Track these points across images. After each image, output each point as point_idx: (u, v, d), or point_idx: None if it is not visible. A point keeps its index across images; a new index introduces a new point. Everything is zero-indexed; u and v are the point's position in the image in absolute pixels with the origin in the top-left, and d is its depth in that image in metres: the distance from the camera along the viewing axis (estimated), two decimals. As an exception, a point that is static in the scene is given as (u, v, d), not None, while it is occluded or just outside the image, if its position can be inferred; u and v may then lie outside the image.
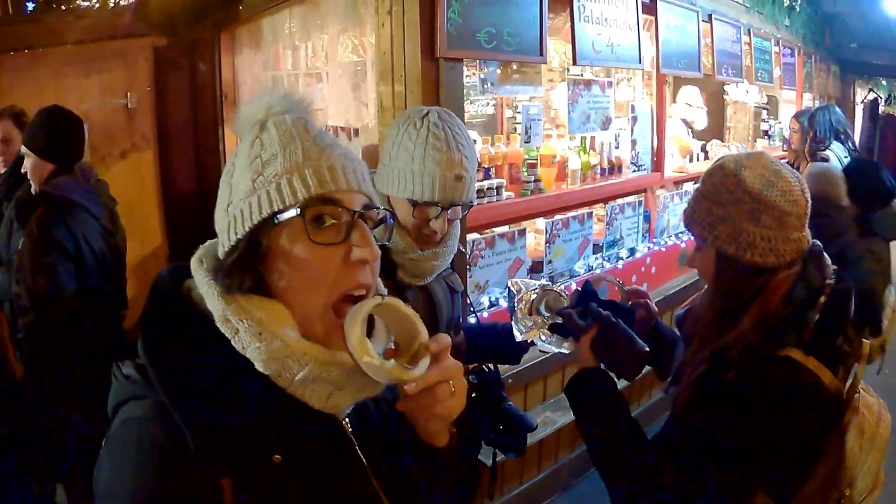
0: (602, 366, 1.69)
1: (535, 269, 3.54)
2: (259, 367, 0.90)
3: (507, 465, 3.08)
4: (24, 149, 2.93)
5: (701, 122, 5.79)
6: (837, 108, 5.37)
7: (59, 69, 5.13)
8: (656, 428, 1.78)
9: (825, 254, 1.66)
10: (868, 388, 1.65)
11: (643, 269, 4.22)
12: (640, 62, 3.88)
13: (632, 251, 4.19)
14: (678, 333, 1.95)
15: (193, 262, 0.99)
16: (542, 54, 3.12)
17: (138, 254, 4.96)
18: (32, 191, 2.93)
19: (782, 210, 1.58)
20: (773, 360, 1.52)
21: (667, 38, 4.12)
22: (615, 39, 3.62)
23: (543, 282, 1.87)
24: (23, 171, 2.97)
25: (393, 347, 1.01)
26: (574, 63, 3.46)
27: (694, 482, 1.51)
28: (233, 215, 0.95)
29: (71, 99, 5.08)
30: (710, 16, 4.74)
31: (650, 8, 4.04)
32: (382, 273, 1.82)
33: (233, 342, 0.91)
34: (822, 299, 1.57)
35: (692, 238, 1.76)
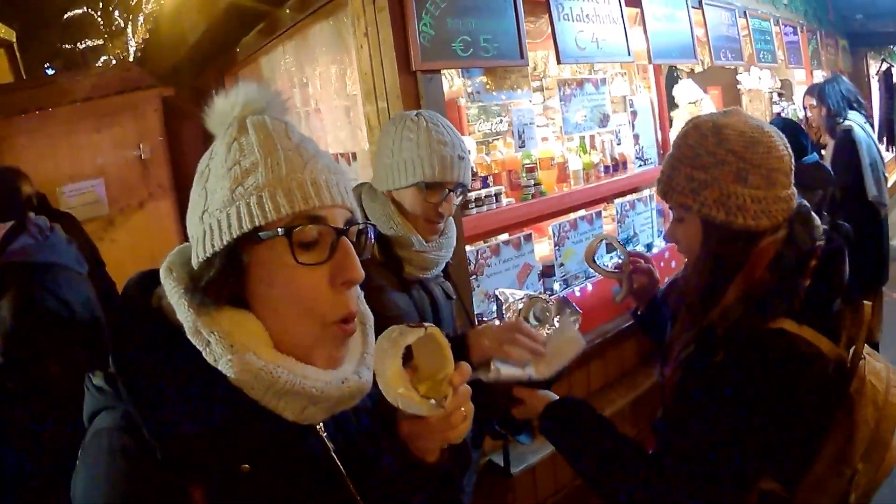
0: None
1: (547, 273, 3.50)
2: (231, 378, 0.89)
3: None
4: None
5: (709, 109, 5.71)
6: (845, 78, 5.26)
7: (70, 126, 5.34)
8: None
9: (813, 213, 1.54)
10: (874, 353, 1.52)
11: (662, 263, 4.13)
12: (629, 55, 3.84)
13: (648, 247, 4.14)
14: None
15: (163, 270, 0.97)
16: (522, 57, 3.13)
17: (162, 299, 5.06)
18: None
19: (770, 167, 1.47)
20: (763, 335, 1.40)
21: (656, 29, 4.08)
22: (600, 35, 3.61)
23: (528, 292, 1.89)
24: None
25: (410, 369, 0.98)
26: (558, 62, 3.45)
27: (694, 479, 1.40)
28: (209, 224, 0.92)
29: (85, 154, 5.30)
30: (699, 1, 4.66)
31: (635, 0, 4.01)
32: (389, 269, 1.93)
33: (204, 354, 0.89)
34: (813, 263, 1.46)
35: (672, 210, 1.62)
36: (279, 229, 0.90)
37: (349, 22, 3.10)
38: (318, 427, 1.00)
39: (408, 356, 0.96)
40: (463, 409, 0.97)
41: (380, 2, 2.73)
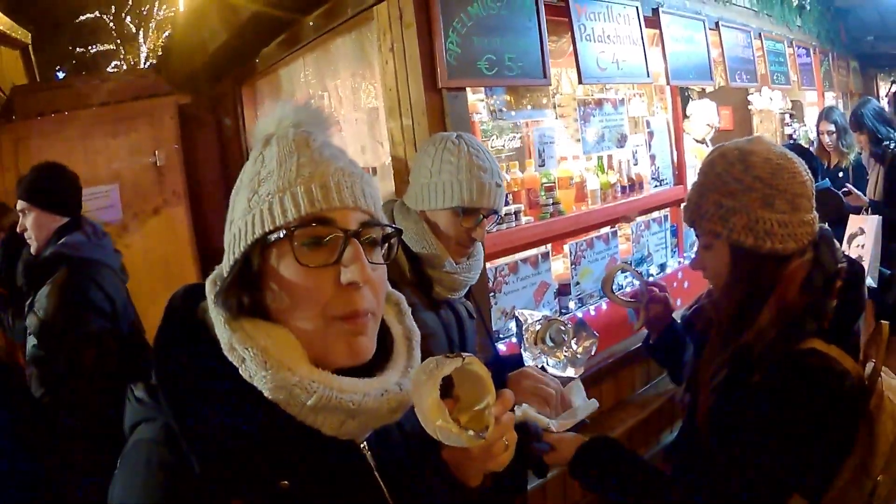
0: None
1: (563, 291, 3.52)
2: (267, 395, 0.89)
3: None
4: (22, 204, 2.87)
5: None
6: (873, 99, 5.30)
7: (86, 130, 5.33)
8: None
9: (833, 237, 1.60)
10: (888, 370, 1.57)
11: (675, 284, 4.16)
12: (647, 76, 3.88)
13: (662, 267, 4.15)
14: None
15: (208, 283, 0.98)
16: (545, 76, 3.16)
17: (176, 306, 5.07)
18: (33, 251, 2.87)
19: (794, 192, 1.53)
20: (799, 355, 1.45)
21: (674, 50, 4.12)
22: (620, 56, 3.64)
23: (546, 313, 1.92)
24: (19, 230, 2.92)
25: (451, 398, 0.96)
26: (580, 82, 3.48)
27: (730, 496, 1.44)
28: (233, 234, 0.95)
29: (100, 159, 5.30)
30: (716, 23, 4.71)
31: (654, 22, 4.05)
32: (419, 288, 1.95)
33: (240, 370, 0.90)
34: (839, 284, 1.52)
35: (698, 237, 1.68)
36: (282, 231, 0.91)
37: (373, 37, 3.12)
38: (361, 446, 1.00)
39: (448, 386, 0.95)
40: (505, 438, 0.97)
41: (407, 18, 2.76)
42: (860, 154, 5.19)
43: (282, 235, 0.91)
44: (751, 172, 1.54)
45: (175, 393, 0.88)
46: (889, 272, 4.23)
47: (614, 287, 2.18)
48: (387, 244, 1.00)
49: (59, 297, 2.73)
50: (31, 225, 2.87)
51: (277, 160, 0.95)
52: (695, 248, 1.71)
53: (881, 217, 3.97)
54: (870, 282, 3.36)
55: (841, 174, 5.18)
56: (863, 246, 3.87)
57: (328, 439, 0.93)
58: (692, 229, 1.69)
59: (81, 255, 2.84)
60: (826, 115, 5.35)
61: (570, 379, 1.93)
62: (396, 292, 1.14)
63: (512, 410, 1.52)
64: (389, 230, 1.00)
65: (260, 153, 0.98)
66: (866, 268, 3.60)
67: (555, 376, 1.76)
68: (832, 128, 5.20)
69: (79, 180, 3.04)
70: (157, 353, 0.93)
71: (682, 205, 1.70)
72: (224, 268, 0.97)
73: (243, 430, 0.87)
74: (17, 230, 2.95)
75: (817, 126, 5.46)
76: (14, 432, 2.60)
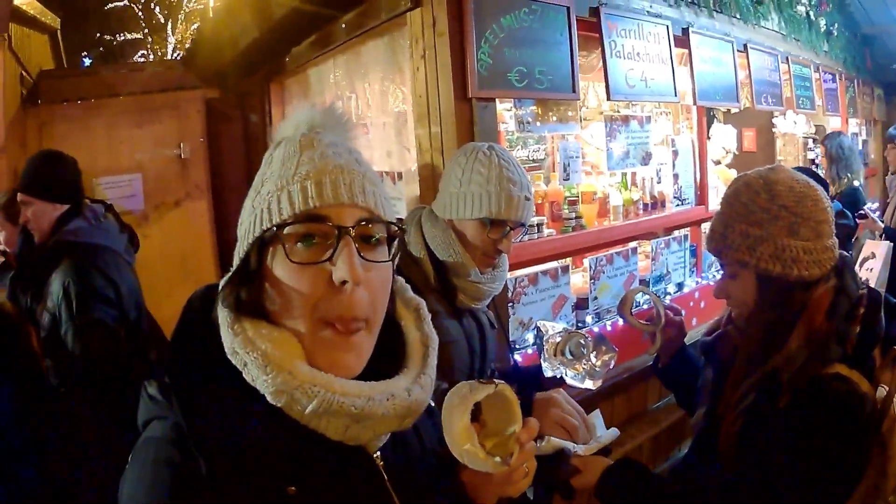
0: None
1: (580, 305, 3.51)
2: (269, 399, 0.89)
3: None
4: (23, 196, 2.84)
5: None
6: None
7: (112, 120, 5.39)
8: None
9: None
10: None
11: (692, 303, 4.16)
12: (675, 95, 3.89)
13: (679, 286, 4.15)
14: (702, 360, 1.93)
15: (221, 284, 0.98)
16: (574, 91, 3.17)
17: (193, 299, 5.11)
18: (37, 241, 2.85)
19: (818, 219, 1.56)
20: (825, 380, 1.48)
21: (702, 71, 4.12)
22: (649, 74, 3.65)
23: (566, 326, 1.94)
24: (22, 221, 2.89)
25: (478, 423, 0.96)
26: (608, 98, 3.50)
27: None
28: (240, 235, 0.96)
29: (124, 149, 5.35)
30: (745, 45, 4.72)
31: (684, 41, 4.06)
32: (443, 296, 1.96)
33: (243, 374, 0.90)
34: (861, 310, 1.55)
35: (723, 266, 1.70)
36: (274, 228, 0.90)
37: (404, 43, 3.14)
38: (375, 455, 0.98)
39: (477, 409, 0.96)
40: (525, 465, 0.98)
41: (440, 27, 2.78)
42: (855, 185, 5.19)
43: (275, 233, 0.90)
44: (776, 201, 1.57)
45: (186, 393, 0.89)
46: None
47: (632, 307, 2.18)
48: (394, 242, 0.98)
49: (64, 288, 2.70)
50: (33, 215, 2.85)
51: (281, 160, 0.95)
52: (718, 275, 1.73)
53: (893, 244, 3.97)
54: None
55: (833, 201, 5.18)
56: (871, 270, 3.87)
57: (335, 445, 0.92)
58: (717, 259, 1.72)
59: (83, 241, 2.82)
60: (822, 141, 5.39)
61: (588, 391, 1.95)
62: (416, 297, 1.12)
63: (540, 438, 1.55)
64: (393, 227, 0.97)
65: (270, 154, 0.98)
66: None
67: (572, 387, 1.78)
68: (825, 156, 5.23)
69: (77, 165, 3.00)
70: (172, 352, 0.95)
71: (706, 234, 1.71)
72: (233, 266, 0.98)
73: (249, 433, 0.87)
74: (21, 221, 2.91)
75: (822, 151, 5.52)
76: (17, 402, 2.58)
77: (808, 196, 1.57)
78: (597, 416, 1.72)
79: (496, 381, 0.96)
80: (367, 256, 0.92)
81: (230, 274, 0.96)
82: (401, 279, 1.09)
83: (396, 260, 1.00)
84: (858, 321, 1.53)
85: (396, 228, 0.97)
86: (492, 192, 1.91)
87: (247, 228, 0.94)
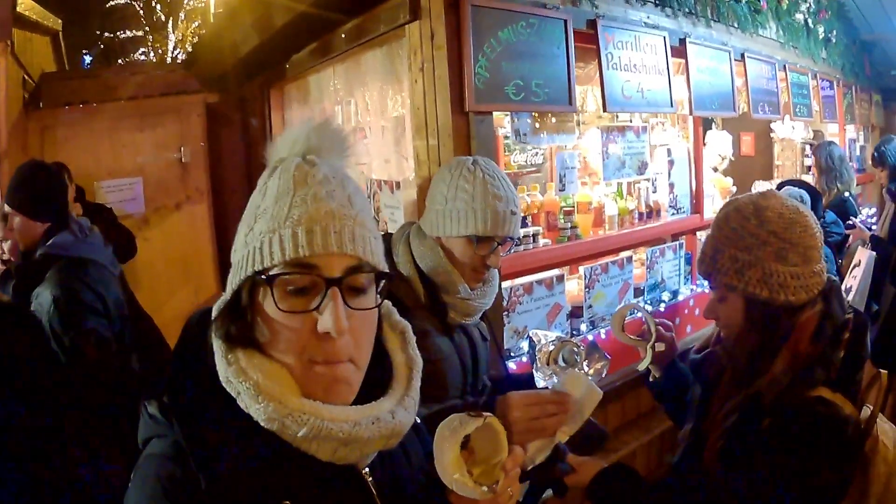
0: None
1: (575, 314, 3.56)
2: (263, 424, 0.92)
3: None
4: (7, 209, 2.83)
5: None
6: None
7: (113, 123, 5.42)
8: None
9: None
10: (881, 415, 1.65)
11: (686, 311, 4.20)
12: (671, 106, 3.92)
13: (674, 294, 4.19)
14: (692, 377, 1.97)
15: (214, 309, 1.01)
16: (571, 103, 3.21)
17: (192, 302, 5.16)
18: (21, 250, 2.84)
19: (806, 245, 1.59)
20: (808, 403, 1.51)
21: (699, 80, 4.15)
22: (645, 84, 3.68)
23: (559, 334, 1.96)
24: (4, 235, 2.87)
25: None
26: (604, 110, 3.53)
27: None
28: (233, 263, 0.99)
29: (125, 152, 5.38)
30: (742, 54, 4.73)
31: (681, 52, 4.08)
32: (433, 314, 1.99)
33: (238, 401, 0.94)
34: (846, 335, 1.58)
35: (713, 289, 1.73)
36: (264, 277, 0.93)
37: (403, 53, 3.17)
38: (363, 472, 1.02)
39: (465, 438, 1.01)
40: (510, 489, 1.02)
41: (438, 40, 2.80)
42: (846, 196, 5.21)
43: (265, 278, 0.93)
44: (765, 227, 1.60)
45: (185, 413, 0.92)
46: (877, 307, 4.29)
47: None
48: (382, 283, 1.01)
49: (55, 301, 2.69)
50: (18, 229, 2.85)
51: (275, 196, 0.96)
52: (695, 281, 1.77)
53: (876, 253, 4.01)
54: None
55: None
56: (856, 277, 3.94)
57: (326, 465, 0.95)
58: (707, 281, 1.75)
59: (69, 254, 2.82)
60: (814, 151, 5.39)
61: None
62: (402, 320, 1.15)
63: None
64: (380, 273, 1.00)
65: (265, 183, 0.99)
66: (852, 298, 3.67)
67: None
68: (815, 166, 5.24)
69: (64, 178, 2.99)
70: (171, 373, 0.99)
71: (697, 257, 1.75)
72: (225, 295, 1.00)
73: (245, 454, 0.91)
74: (3, 234, 2.89)
75: (814, 161, 5.52)
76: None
77: (797, 222, 1.60)
78: (573, 375, 1.71)
79: (485, 414, 1.01)
80: (353, 305, 0.96)
81: (223, 306, 0.99)
82: (388, 303, 1.13)
83: (382, 304, 1.03)
84: (843, 346, 1.56)
85: (380, 273, 1.00)
86: (477, 209, 1.91)
87: (239, 261, 0.97)
